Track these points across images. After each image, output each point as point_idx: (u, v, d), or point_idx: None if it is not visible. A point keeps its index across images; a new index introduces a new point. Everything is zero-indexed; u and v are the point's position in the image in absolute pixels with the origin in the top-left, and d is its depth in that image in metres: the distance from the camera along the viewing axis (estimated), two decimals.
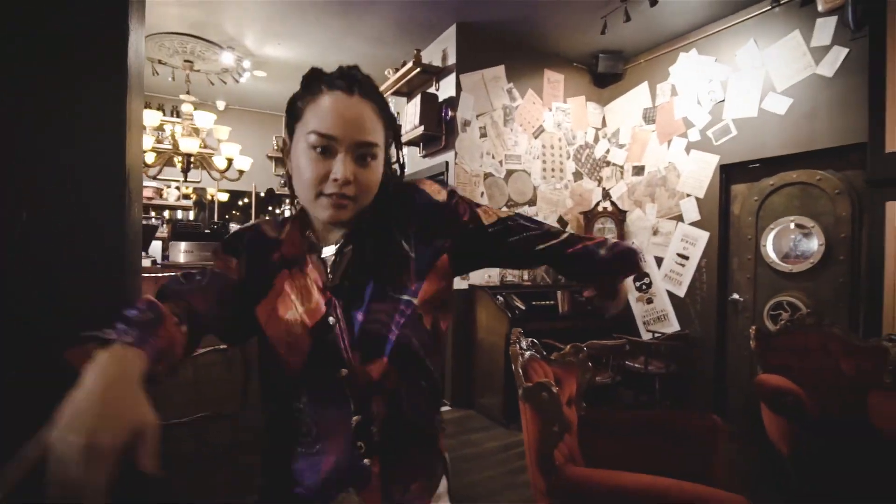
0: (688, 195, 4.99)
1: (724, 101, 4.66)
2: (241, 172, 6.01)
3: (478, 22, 4.98)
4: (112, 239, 1.25)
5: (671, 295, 5.14)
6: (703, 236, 4.85)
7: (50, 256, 1.18)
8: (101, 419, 0.60)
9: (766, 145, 4.35)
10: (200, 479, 2.56)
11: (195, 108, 5.79)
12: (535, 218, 1.21)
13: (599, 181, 6.02)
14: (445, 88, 5.18)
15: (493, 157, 5.23)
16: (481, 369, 4.85)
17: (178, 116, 6.63)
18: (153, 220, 7.31)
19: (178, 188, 7.45)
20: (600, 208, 5.68)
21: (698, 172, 4.89)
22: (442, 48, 5.22)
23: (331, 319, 1.01)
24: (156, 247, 5.93)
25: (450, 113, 5.02)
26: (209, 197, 7.93)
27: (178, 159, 5.75)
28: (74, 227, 1.20)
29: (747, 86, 4.47)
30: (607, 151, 5.97)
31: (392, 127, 1.07)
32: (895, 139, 3.25)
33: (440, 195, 1.09)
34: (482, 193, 5.12)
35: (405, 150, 5.00)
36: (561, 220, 5.71)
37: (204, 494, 2.41)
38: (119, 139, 1.22)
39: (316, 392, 1.01)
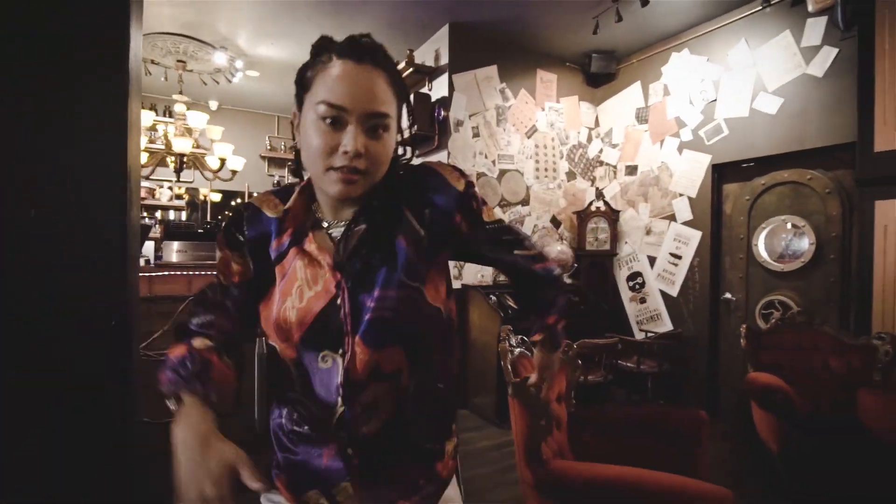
0: (680, 195, 5.02)
1: (715, 100, 4.69)
2: (233, 172, 6.00)
3: (470, 22, 4.99)
4: (113, 239, 1.25)
5: (664, 294, 5.17)
6: (695, 236, 4.87)
7: (51, 256, 1.18)
8: (202, 476, 0.76)
9: (757, 145, 4.38)
10: None
11: (188, 108, 5.76)
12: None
13: (593, 181, 6.04)
14: (438, 88, 5.18)
15: (486, 157, 5.25)
16: (474, 369, 4.86)
17: (170, 116, 6.62)
18: (146, 220, 7.28)
19: (170, 188, 7.42)
20: (593, 208, 5.70)
21: (691, 172, 4.92)
22: (434, 48, 5.22)
23: (338, 301, 0.96)
24: (148, 247, 5.91)
25: (442, 113, 5.02)
26: (202, 197, 7.90)
27: (170, 159, 5.72)
28: (75, 226, 1.21)
29: (739, 85, 4.50)
30: (600, 151, 6.00)
31: (405, 98, 1.03)
32: (884, 139, 3.28)
33: (459, 183, 1.05)
34: None
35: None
36: (554, 220, 5.74)
37: None
38: (120, 140, 1.22)
39: (309, 373, 0.99)
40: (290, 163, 1.12)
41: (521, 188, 5.48)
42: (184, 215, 7.86)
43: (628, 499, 1.74)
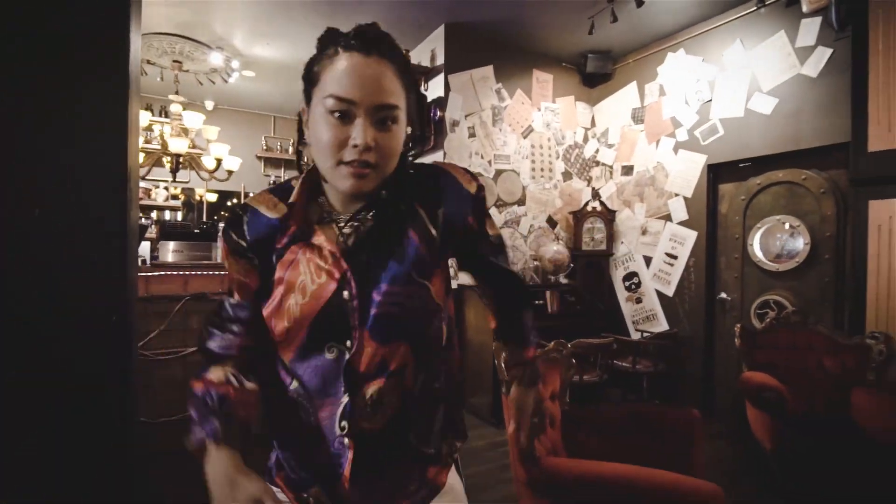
0: (676, 195, 5.03)
1: (711, 100, 4.71)
2: (229, 173, 5.98)
3: (466, 22, 4.99)
4: (113, 239, 1.25)
5: (660, 294, 5.19)
6: (691, 236, 4.89)
7: (51, 256, 1.18)
8: None
9: (752, 145, 4.40)
10: (187, 477, 2.56)
11: (184, 109, 5.76)
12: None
13: (589, 181, 6.05)
14: (434, 89, 5.19)
15: (482, 157, 5.25)
16: (470, 369, 4.86)
17: (166, 116, 6.60)
18: (142, 220, 7.26)
19: (166, 188, 7.41)
20: (589, 208, 5.71)
21: (686, 172, 4.93)
22: (430, 48, 5.23)
23: (345, 294, 0.95)
24: (144, 247, 5.89)
25: (438, 113, 5.03)
26: (198, 197, 7.88)
27: (166, 159, 5.71)
28: (75, 226, 1.20)
29: (734, 86, 4.52)
30: (597, 151, 6.01)
31: (414, 88, 1.02)
32: (878, 138, 3.30)
33: (471, 185, 1.06)
34: None
35: None
36: (550, 220, 5.75)
37: (190, 492, 2.41)
38: (120, 140, 1.23)
39: (311, 368, 0.98)
40: (303, 163, 1.11)
41: (517, 188, 5.49)
42: (179, 215, 7.84)
43: (620, 495, 1.76)
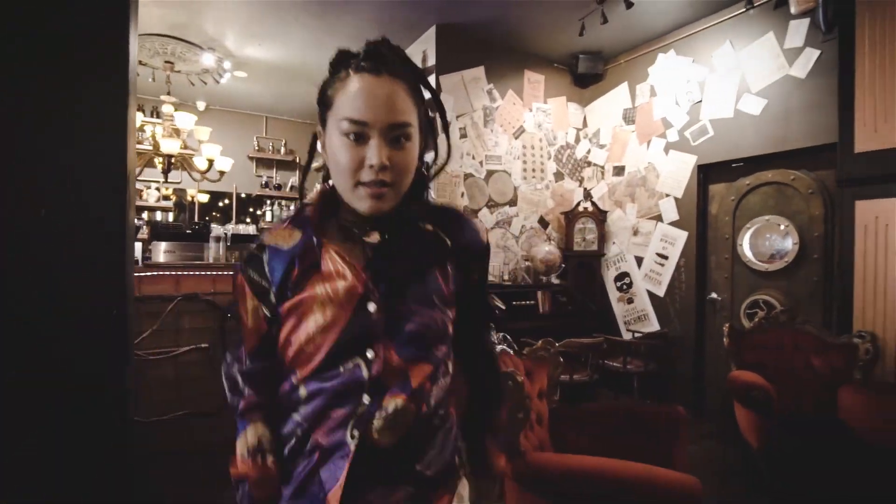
0: (667, 195, 5.07)
1: (701, 101, 4.75)
2: (221, 173, 5.97)
3: (458, 23, 5.01)
4: (112, 239, 1.25)
5: (651, 295, 5.22)
6: (681, 236, 4.93)
7: (51, 256, 1.18)
8: None
9: (742, 146, 4.44)
10: (181, 476, 2.56)
11: (176, 109, 5.73)
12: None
13: (581, 181, 6.08)
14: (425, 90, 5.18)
15: (474, 158, 5.27)
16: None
17: (158, 117, 6.59)
18: (135, 220, 7.22)
19: (158, 189, 7.39)
20: (581, 209, 5.74)
21: (677, 172, 4.97)
22: (422, 49, 5.24)
23: (370, 306, 0.95)
24: (136, 248, 5.88)
25: (429, 114, 5.02)
26: (189, 198, 7.85)
27: (158, 160, 5.69)
28: (75, 226, 1.21)
29: (723, 87, 4.56)
30: (588, 152, 6.03)
31: (425, 103, 1.04)
32: (864, 139, 3.34)
33: (485, 236, 1.12)
34: (462, 194, 5.16)
35: None
36: (542, 221, 5.78)
37: (184, 491, 2.41)
38: (119, 140, 1.23)
39: (327, 381, 0.95)
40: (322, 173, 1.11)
41: (508, 189, 5.51)
42: (171, 216, 7.81)
43: (602, 486, 1.82)
